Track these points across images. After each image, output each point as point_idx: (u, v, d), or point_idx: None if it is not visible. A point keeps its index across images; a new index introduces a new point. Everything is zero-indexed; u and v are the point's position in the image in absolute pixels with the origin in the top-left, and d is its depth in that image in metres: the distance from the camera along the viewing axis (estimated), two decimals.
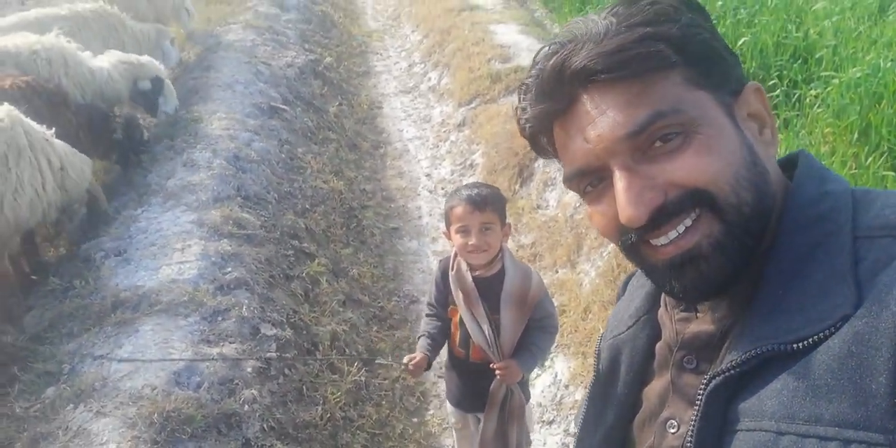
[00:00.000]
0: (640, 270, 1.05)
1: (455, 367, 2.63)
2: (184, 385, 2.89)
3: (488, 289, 2.41)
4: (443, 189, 5.94)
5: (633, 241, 0.81)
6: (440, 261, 2.61)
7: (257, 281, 3.73)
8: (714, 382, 0.75)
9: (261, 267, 3.86)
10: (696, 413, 0.77)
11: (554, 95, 0.81)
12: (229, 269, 3.66)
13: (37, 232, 4.05)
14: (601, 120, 0.77)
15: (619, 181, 0.77)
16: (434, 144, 6.82)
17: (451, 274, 2.46)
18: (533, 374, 3.49)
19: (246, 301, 3.50)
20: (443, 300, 2.56)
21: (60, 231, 4.29)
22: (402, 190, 6.03)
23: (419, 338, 2.57)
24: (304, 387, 3.39)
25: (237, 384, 3.04)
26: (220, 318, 3.34)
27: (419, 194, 6.03)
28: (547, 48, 0.84)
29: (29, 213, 3.55)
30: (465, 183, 2.54)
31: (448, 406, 2.81)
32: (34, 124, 3.57)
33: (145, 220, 3.96)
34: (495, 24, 8.46)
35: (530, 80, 0.85)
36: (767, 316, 0.73)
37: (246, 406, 2.96)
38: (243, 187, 4.45)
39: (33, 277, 3.88)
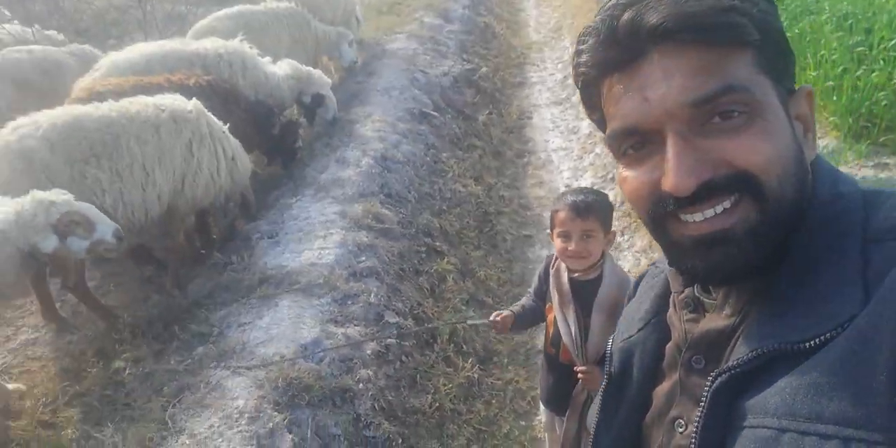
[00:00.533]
0: (650, 269, 1.08)
1: (546, 364, 2.67)
2: (309, 357, 3.18)
3: (584, 292, 2.42)
4: None
5: (666, 213, 0.79)
6: (548, 256, 2.65)
7: (388, 272, 3.99)
8: (719, 380, 0.75)
9: (393, 259, 4.12)
10: (701, 411, 0.77)
11: (622, 46, 0.77)
12: (363, 259, 3.95)
13: (209, 211, 4.61)
14: (668, 82, 0.74)
15: (673, 147, 0.75)
16: (578, 156, 6.81)
17: (551, 272, 2.51)
18: None
19: (375, 289, 3.76)
20: (542, 294, 2.61)
21: (226, 214, 4.85)
22: (539, 199, 6.10)
23: (522, 305, 2.67)
24: (418, 375, 3.58)
25: (356, 363, 3.29)
26: (349, 302, 3.63)
27: None
28: None
29: (204, 194, 4.07)
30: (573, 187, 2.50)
31: (541, 406, 2.85)
32: (214, 118, 4.09)
33: (297, 208, 4.38)
34: None
35: (598, 25, 0.80)
36: (777, 315, 0.74)
37: (361, 384, 3.20)
38: (386, 185, 4.77)
39: (202, 251, 4.41)
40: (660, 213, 0.80)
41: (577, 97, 8.53)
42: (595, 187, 6.24)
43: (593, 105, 0.87)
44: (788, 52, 0.80)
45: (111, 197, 3.65)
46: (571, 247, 2.34)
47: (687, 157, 0.74)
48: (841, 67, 4.94)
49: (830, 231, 0.75)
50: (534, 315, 2.66)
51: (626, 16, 0.76)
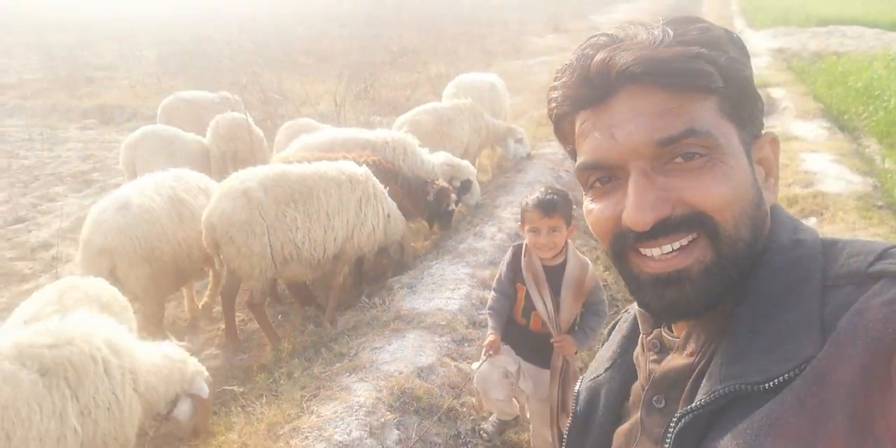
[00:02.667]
0: (623, 315, 1.10)
1: (515, 331, 3.12)
2: (423, 378, 3.76)
3: (553, 275, 2.91)
4: None
5: (628, 246, 0.82)
6: (513, 246, 3.13)
7: None
8: (683, 421, 0.76)
9: None
10: None
11: (593, 85, 0.81)
12: (483, 312, 4.55)
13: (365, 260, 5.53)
14: (635, 122, 0.78)
15: (634, 184, 0.78)
16: None
17: (524, 260, 2.97)
18: None
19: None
20: (512, 277, 3.07)
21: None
22: None
23: (489, 314, 3.14)
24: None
25: (463, 391, 3.81)
26: (465, 344, 4.21)
27: None
28: (596, 38, 0.84)
29: (365, 243, 5.00)
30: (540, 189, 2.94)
31: (475, 365, 3.25)
32: (378, 182, 5.08)
33: (435, 268, 5.14)
34: (807, 152, 8.42)
35: (573, 63, 0.85)
36: (737, 356, 0.75)
37: (464, 408, 3.71)
38: None
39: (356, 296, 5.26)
40: (621, 247, 0.83)
41: None
42: None
43: (565, 138, 0.90)
44: (754, 99, 0.84)
45: (302, 233, 4.65)
46: (541, 240, 2.82)
47: (647, 194, 0.77)
48: None
49: (790, 275, 0.77)
50: (505, 310, 3.14)
51: (599, 56, 0.81)
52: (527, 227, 2.90)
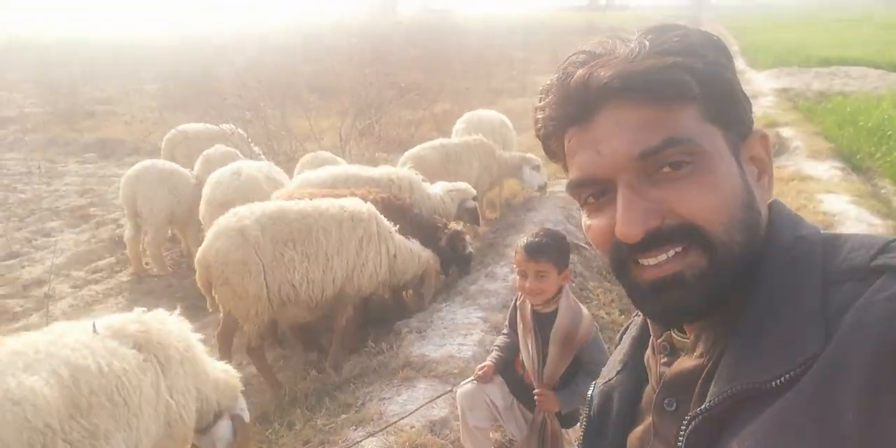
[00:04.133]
0: (634, 318, 1.10)
1: (511, 380, 2.92)
2: (436, 433, 3.46)
3: (544, 324, 2.66)
4: None
5: (625, 257, 0.83)
6: None
7: None
8: (694, 423, 0.77)
9: None
10: None
11: (575, 104, 0.83)
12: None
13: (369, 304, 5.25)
14: (618, 136, 0.79)
15: (622, 198, 0.80)
16: None
17: (518, 304, 2.77)
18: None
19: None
20: (515, 324, 2.88)
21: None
22: None
23: (492, 351, 2.97)
24: None
25: None
26: None
27: None
28: (576, 56, 0.85)
29: (368, 284, 4.74)
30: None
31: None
32: (384, 220, 4.84)
33: (446, 311, 4.86)
34: (824, 193, 8.24)
35: (554, 82, 0.86)
36: (743, 356, 0.75)
37: None
38: None
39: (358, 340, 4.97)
40: (619, 258, 0.84)
41: None
42: None
43: (555, 155, 0.91)
44: (739, 100, 0.84)
45: (299, 274, 4.42)
46: (527, 284, 2.59)
47: (635, 207, 0.78)
48: None
49: (792, 272, 0.78)
50: (510, 353, 2.96)
51: (578, 74, 0.82)
52: (516, 270, 2.71)
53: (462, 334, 4.43)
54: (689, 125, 0.79)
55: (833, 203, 7.75)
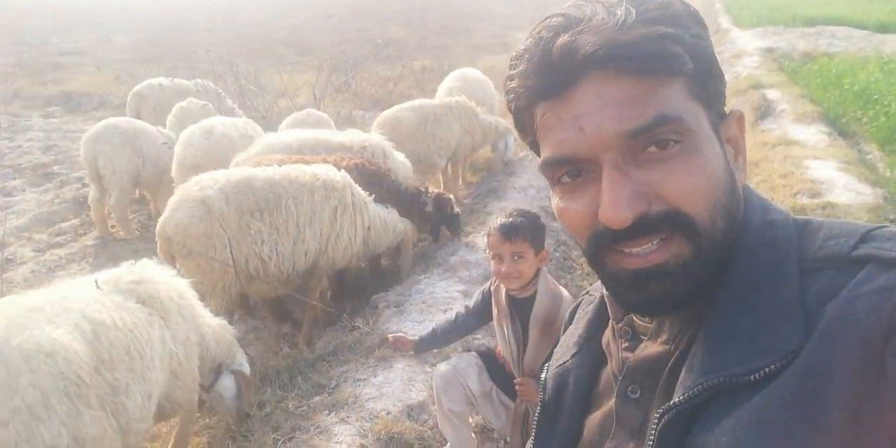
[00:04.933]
0: (584, 297, 1.06)
1: (496, 368, 2.80)
2: (414, 418, 3.30)
3: (522, 309, 2.52)
4: None
5: (603, 246, 0.78)
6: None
7: None
8: (666, 417, 0.73)
9: None
10: None
11: (554, 73, 0.74)
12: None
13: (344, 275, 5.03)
14: (603, 112, 0.72)
15: (608, 179, 0.73)
16: None
17: (492, 289, 2.62)
18: None
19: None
20: (481, 310, 2.80)
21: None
22: None
23: (433, 327, 2.98)
24: None
25: None
26: None
27: None
28: (551, 19, 0.77)
29: (342, 256, 4.51)
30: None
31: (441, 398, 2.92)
32: (359, 188, 4.58)
33: (424, 284, 4.67)
34: (811, 159, 8.09)
35: (530, 48, 0.77)
36: (716, 346, 0.72)
37: None
38: None
39: (335, 312, 4.78)
40: (598, 246, 0.78)
41: None
42: None
43: (525, 130, 0.83)
44: (719, 77, 0.79)
45: (268, 247, 4.17)
46: (504, 268, 2.45)
47: (622, 190, 0.72)
48: None
49: (766, 259, 0.74)
50: (451, 334, 3.01)
51: (560, 41, 0.73)
52: (490, 254, 2.55)
53: (441, 310, 4.25)
54: (678, 101, 0.73)
55: (820, 170, 7.60)
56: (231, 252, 4.08)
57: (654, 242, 0.75)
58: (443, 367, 2.90)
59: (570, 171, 0.77)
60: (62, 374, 2.27)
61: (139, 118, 8.26)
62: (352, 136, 5.77)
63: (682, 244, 0.74)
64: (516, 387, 2.58)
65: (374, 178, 4.96)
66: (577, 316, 1.04)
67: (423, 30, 16.96)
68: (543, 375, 1.02)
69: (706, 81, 0.76)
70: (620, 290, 0.81)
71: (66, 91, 13.88)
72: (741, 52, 15.74)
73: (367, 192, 4.69)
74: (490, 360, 2.85)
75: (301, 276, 4.45)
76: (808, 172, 7.52)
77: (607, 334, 0.93)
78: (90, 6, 27.31)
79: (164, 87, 8.97)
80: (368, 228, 4.63)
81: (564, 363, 0.98)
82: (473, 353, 2.96)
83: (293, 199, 4.23)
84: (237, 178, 4.20)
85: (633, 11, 0.72)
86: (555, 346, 1.05)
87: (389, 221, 4.83)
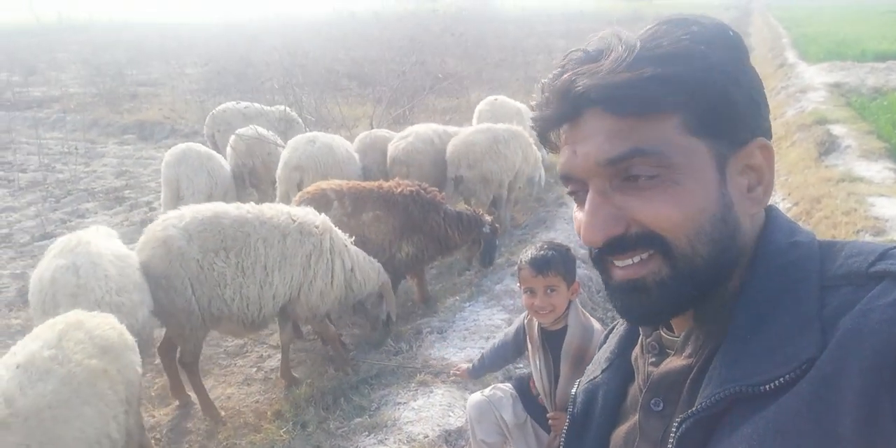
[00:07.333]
0: (618, 321, 1.10)
1: (527, 399, 2.77)
2: (451, 444, 3.32)
3: (553, 342, 2.50)
4: None
5: (597, 256, 0.86)
6: None
7: None
8: (684, 426, 0.76)
9: None
10: None
11: (559, 106, 0.84)
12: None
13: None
14: (591, 141, 0.80)
15: (589, 203, 0.82)
16: None
17: (525, 322, 2.64)
18: None
19: None
20: (516, 341, 2.81)
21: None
22: None
23: (482, 354, 2.95)
24: None
25: None
26: None
27: None
28: (573, 54, 0.85)
29: (319, 302, 4.34)
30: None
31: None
32: (339, 232, 4.46)
33: (469, 311, 4.71)
34: (876, 196, 7.82)
35: (546, 82, 0.87)
36: (736, 358, 0.74)
37: None
38: None
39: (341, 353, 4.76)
40: (593, 255, 0.87)
41: None
42: None
43: (552, 147, 0.91)
44: (736, 107, 0.79)
45: (231, 289, 3.98)
46: (537, 301, 2.44)
47: (598, 213, 0.80)
48: None
49: (787, 277, 0.77)
50: (495, 363, 2.99)
51: (562, 79, 0.82)
52: (523, 288, 2.56)
53: (484, 337, 4.28)
54: (664, 137, 0.77)
55: (885, 207, 7.33)
56: (192, 293, 3.92)
57: (636, 259, 0.81)
58: (477, 396, 2.90)
59: (574, 187, 0.86)
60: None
61: (214, 140, 8.77)
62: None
63: (659, 264, 0.80)
64: (549, 421, 2.56)
65: (431, 205, 5.04)
66: (610, 335, 1.09)
67: (481, 62, 17.23)
68: (574, 390, 1.06)
69: (711, 115, 0.78)
70: (611, 296, 0.88)
71: (140, 120, 14.64)
72: (807, 86, 15.42)
73: (423, 217, 4.70)
74: (525, 391, 2.84)
75: (267, 320, 4.33)
76: (873, 210, 7.26)
77: (636, 350, 0.96)
78: (161, 39, 28.85)
79: (237, 111, 9.39)
80: (352, 270, 4.46)
81: (595, 378, 1.02)
82: (509, 384, 2.97)
83: (263, 241, 4.05)
84: (205, 215, 4.02)
85: (637, 48, 0.78)
86: None
87: (374, 263, 4.71)
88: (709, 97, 0.78)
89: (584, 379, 1.05)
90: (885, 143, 10.20)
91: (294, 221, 4.21)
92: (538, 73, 18.17)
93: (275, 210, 4.25)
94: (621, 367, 0.99)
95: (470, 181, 6.73)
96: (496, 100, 9.26)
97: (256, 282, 4.05)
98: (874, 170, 8.87)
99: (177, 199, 7.17)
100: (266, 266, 4.07)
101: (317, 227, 4.29)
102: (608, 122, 0.79)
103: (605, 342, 1.10)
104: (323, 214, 4.48)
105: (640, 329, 0.95)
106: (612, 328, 1.11)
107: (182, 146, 7.30)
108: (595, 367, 1.04)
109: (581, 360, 2.47)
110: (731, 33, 0.81)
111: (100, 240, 3.79)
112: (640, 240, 0.80)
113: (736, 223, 0.81)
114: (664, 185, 0.78)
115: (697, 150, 0.79)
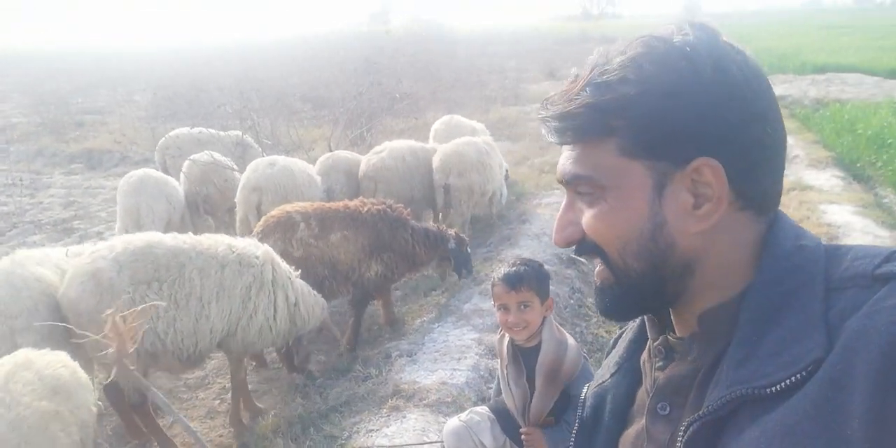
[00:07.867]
0: (630, 323, 1.13)
1: (505, 420, 2.69)
2: None
3: (528, 358, 2.47)
4: None
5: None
6: None
7: None
8: (692, 429, 0.76)
9: None
10: None
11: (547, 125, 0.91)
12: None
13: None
14: (560, 159, 0.89)
15: (561, 208, 0.90)
16: None
17: (497, 338, 2.60)
18: None
19: None
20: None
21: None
22: None
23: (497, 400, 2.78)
24: None
25: None
26: None
27: None
28: (572, 71, 0.90)
29: (257, 338, 4.13)
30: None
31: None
32: (283, 264, 4.27)
33: (438, 332, 4.62)
34: (827, 203, 8.05)
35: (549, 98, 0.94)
36: (742, 361, 0.75)
37: None
38: None
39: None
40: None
41: None
42: None
43: None
44: (679, 128, 0.79)
45: (164, 323, 3.73)
46: (511, 318, 2.42)
47: (563, 217, 0.89)
48: None
49: (793, 279, 0.78)
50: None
51: (546, 99, 0.90)
52: (496, 305, 2.51)
53: (455, 358, 4.19)
54: (597, 161, 0.83)
55: (836, 214, 7.55)
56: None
57: (597, 263, 0.89)
58: (454, 422, 2.82)
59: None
60: None
61: (166, 167, 8.55)
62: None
63: (606, 271, 0.87)
64: (522, 436, 2.50)
65: (398, 222, 4.98)
66: (619, 339, 1.11)
67: (436, 83, 17.32)
68: (583, 394, 1.08)
69: (648, 137, 0.80)
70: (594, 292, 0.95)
71: (88, 148, 14.21)
72: None
73: (391, 235, 4.63)
74: (502, 414, 2.78)
75: (205, 355, 4.11)
76: (825, 217, 7.46)
77: (644, 354, 0.97)
78: (104, 66, 28.31)
79: (191, 136, 9.18)
80: (295, 304, 4.25)
81: (603, 382, 1.03)
82: (485, 406, 2.90)
83: (199, 271, 3.82)
84: (137, 244, 3.79)
85: (588, 76, 0.83)
86: (560, 394, 1.08)
87: (316, 297, 4.51)
88: (644, 121, 0.80)
89: (594, 383, 1.07)
90: (830, 152, 10.55)
91: (233, 252, 4.00)
92: (493, 93, 18.38)
93: (213, 240, 4.04)
94: (630, 371, 1.00)
95: (457, 190, 6.81)
96: (451, 119, 9.43)
97: (191, 315, 3.81)
98: (823, 178, 9.15)
99: (137, 228, 6.93)
100: (202, 298, 3.82)
101: (257, 258, 4.09)
102: (567, 146, 0.88)
103: (614, 346, 1.12)
104: (265, 245, 4.30)
105: (649, 333, 0.97)
106: (620, 334, 1.13)
107: (138, 173, 7.09)
108: (604, 371, 1.06)
109: (555, 375, 2.44)
110: (688, 50, 0.80)
111: (15, 264, 3.76)
112: (590, 247, 0.87)
113: (670, 241, 0.82)
114: (596, 204, 0.84)
115: (631, 171, 0.82)
